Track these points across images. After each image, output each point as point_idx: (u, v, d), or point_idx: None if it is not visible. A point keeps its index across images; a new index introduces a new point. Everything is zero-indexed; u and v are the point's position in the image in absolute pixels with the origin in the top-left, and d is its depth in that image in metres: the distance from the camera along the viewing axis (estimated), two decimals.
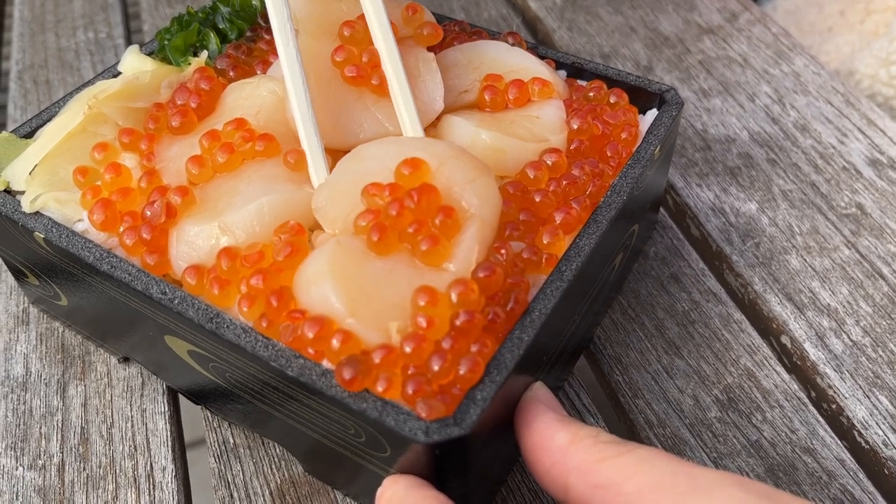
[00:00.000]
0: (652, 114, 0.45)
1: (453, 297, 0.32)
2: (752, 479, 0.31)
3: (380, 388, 0.31)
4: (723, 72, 0.64)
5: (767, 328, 0.47)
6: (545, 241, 0.37)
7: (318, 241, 0.37)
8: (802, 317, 0.47)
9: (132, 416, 0.43)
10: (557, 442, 0.32)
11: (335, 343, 0.32)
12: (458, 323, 0.32)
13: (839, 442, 0.41)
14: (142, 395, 0.44)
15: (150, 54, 0.48)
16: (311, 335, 0.32)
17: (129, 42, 0.70)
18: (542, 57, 0.48)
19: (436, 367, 0.31)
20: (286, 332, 0.33)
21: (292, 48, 0.39)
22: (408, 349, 0.31)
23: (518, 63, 0.44)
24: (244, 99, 0.42)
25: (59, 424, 0.43)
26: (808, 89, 0.62)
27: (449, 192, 0.35)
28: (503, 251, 0.35)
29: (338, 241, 0.34)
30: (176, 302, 0.36)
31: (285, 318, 0.33)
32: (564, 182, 0.39)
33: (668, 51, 0.66)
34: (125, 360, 0.46)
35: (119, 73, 0.47)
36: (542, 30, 0.70)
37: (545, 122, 0.41)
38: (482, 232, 0.35)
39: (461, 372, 0.31)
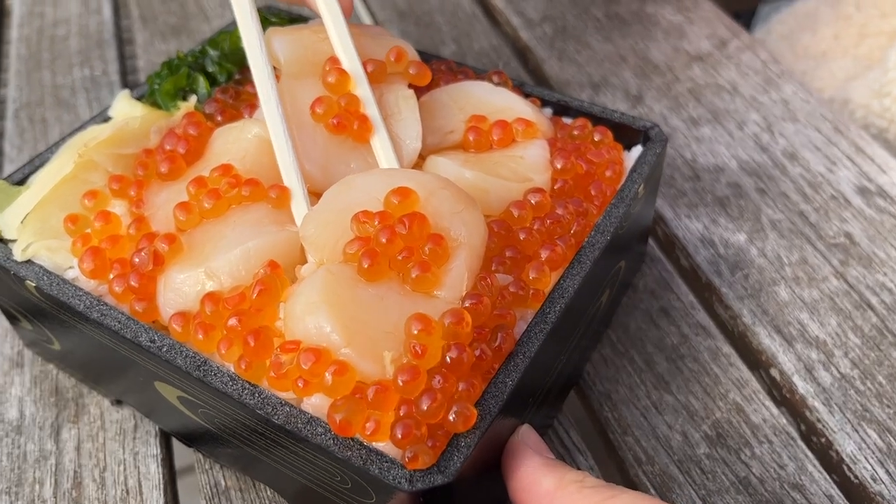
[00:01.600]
0: (637, 149, 0.46)
1: (446, 324, 0.32)
2: None
3: (368, 431, 0.31)
4: (712, 99, 0.64)
5: (756, 361, 0.47)
6: (531, 277, 0.37)
7: (303, 270, 0.37)
8: (791, 349, 0.47)
9: (125, 460, 0.44)
10: (544, 487, 0.33)
11: (328, 377, 0.32)
12: (448, 359, 0.32)
13: (828, 477, 0.41)
14: (134, 438, 0.45)
15: (140, 98, 0.49)
16: (307, 367, 0.32)
17: (124, 79, 0.71)
18: (527, 95, 0.48)
19: (425, 407, 0.31)
20: (276, 366, 0.33)
21: (271, 91, 0.40)
22: (401, 381, 0.31)
23: (502, 103, 0.45)
24: (231, 143, 0.42)
25: (53, 468, 0.43)
26: (796, 117, 0.62)
27: (437, 222, 0.36)
28: (489, 280, 0.36)
29: (328, 269, 0.35)
30: (164, 350, 0.36)
31: (282, 351, 0.33)
32: (549, 221, 0.39)
33: (658, 79, 0.67)
34: (118, 402, 0.46)
35: (109, 118, 0.47)
36: (532, 59, 0.71)
37: (529, 162, 0.41)
38: (471, 260, 0.35)
39: (451, 418, 0.31)
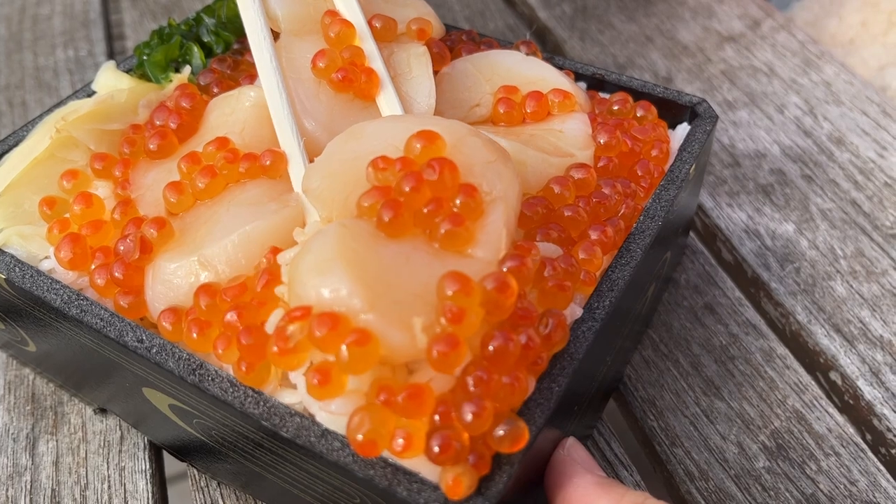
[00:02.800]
0: (682, 129, 0.41)
1: (488, 288, 0.27)
2: None
3: (397, 448, 0.26)
4: (747, 82, 0.60)
5: (815, 363, 0.43)
6: (581, 257, 0.32)
7: (305, 232, 0.32)
8: (853, 350, 0.42)
9: (109, 476, 0.38)
10: None
11: (344, 351, 0.26)
12: (490, 348, 0.26)
13: None
14: (120, 451, 0.39)
15: (128, 71, 0.43)
16: (321, 334, 0.26)
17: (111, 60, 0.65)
18: (559, 67, 0.43)
19: (469, 417, 0.25)
20: (281, 338, 0.27)
21: (264, 42, 0.36)
22: (436, 353, 0.25)
23: (535, 73, 0.40)
24: (227, 115, 0.37)
25: (28, 486, 0.38)
26: (840, 99, 0.57)
27: (467, 173, 0.30)
28: (530, 250, 0.30)
29: (341, 223, 0.29)
30: (154, 351, 0.31)
31: (288, 319, 0.27)
32: (594, 200, 0.34)
33: (688, 60, 0.62)
34: (102, 410, 0.41)
35: (94, 93, 0.42)
36: (551, 41, 0.66)
37: (569, 137, 0.36)
38: (508, 216, 0.30)
39: (499, 434, 0.26)
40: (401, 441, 0.26)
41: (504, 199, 0.30)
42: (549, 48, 0.65)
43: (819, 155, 0.53)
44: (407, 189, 0.29)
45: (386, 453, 0.27)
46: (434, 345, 0.26)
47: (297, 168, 0.34)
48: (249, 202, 0.33)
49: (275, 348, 0.27)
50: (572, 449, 0.31)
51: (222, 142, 0.35)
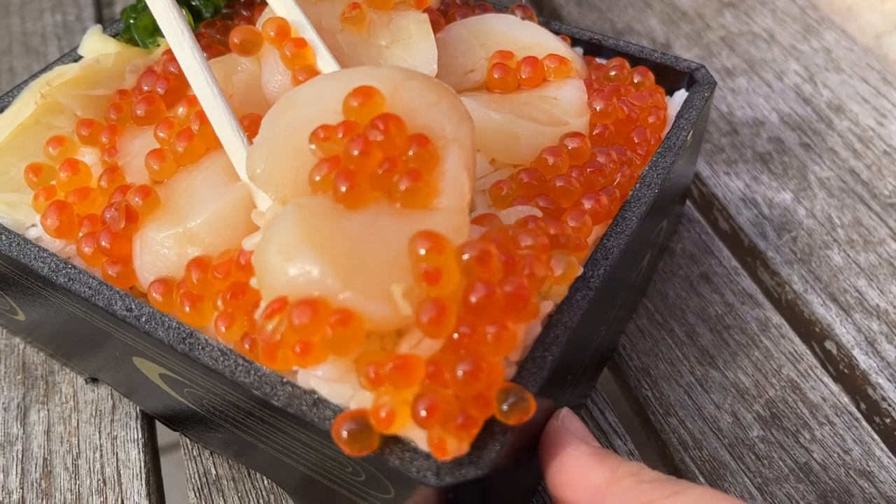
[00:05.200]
0: (680, 95, 0.40)
1: (465, 259, 0.26)
2: None
3: (382, 414, 0.25)
4: (747, 48, 0.59)
5: (810, 332, 0.42)
6: (571, 225, 0.32)
7: (266, 212, 0.31)
8: (849, 319, 0.42)
9: (101, 445, 0.38)
10: (593, 481, 0.28)
11: (330, 333, 0.25)
12: (473, 299, 0.26)
13: None
14: (112, 421, 0.39)
15: (115, 36, 0.43)
16: (302, 323, 0.25)
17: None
18: (556, 32, 0.42)
19: (462, 373, 0.25)
20: (264, 338, 0.26)
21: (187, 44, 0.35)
22: (425, 320, 0.25)
23: (531, 38, 0.39)
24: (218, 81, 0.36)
25: (20, 455, 0.38)
26: (840, 66, 0.57)
27: (413, 121, 0.29)
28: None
29: (297, 203, 0.28)
30: (143, 320, 0.31)
31: (265, 317, 0.27)
32: (589, 170, 0.33)
33: (687, 26, 0.61)
34: (93, 380, 0.41)
35: (80, 58, 0.42)
36: (548, 6, 0.65)
37: (564, 104, 0.36)
38: (465, 157, 0.29)
39: (504, 408, 0.26)
40: (384, 413, 0.25)
41: (457, 140, 0.29)
42: (545, 13, 0.64)
43: (818, 123, 0.53)
44: (356, 154, 0.28)
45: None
46: (421, 313, 0.25)
47: (238, 155, 0.33)
48: (227, 170, 0.33)
49: (261, 349, 0.27)
50: (566, 419, 0.30)
51: (191, 100, 0.34)
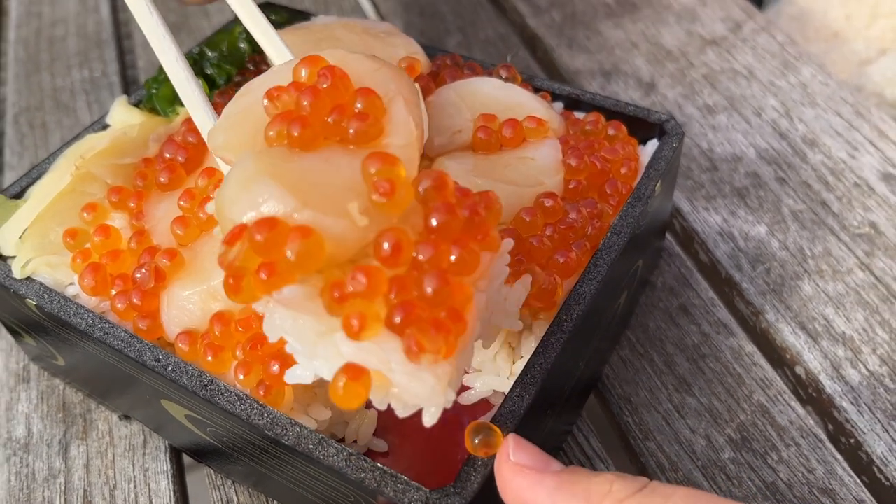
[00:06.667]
0: (653, 144, 0.44)
1: (422, 190, 0.27)
2: None
3: (354, 328, 0.26)
4: (728, 85, 0.62)
5: (781, 359, 0.46)
6: (543, 286, 0.36)
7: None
8: (817, 346, 0.45)
9: (135, 477, 0.43)
10: None
11: (291, 251, 0.26)
12: (434, 222, 0.27)
13: (858, 480, 0.40)
14: (144, 454, 0.44)
15: (138, 103, 0.47)
16: (261, 239, 0.26)
17: (124, 80, 0.69)
18: (537, 90, 0.46)
19: (430, 290, 0.26)
20: (226, 266, 0.27)
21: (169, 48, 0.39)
22: (386, 248, 0.26)
23: (512, 100, 0.43)
24: None
25: (62, 487, 0.43)
26: (815, 101, 0.60)
27: (359, 83, 0.31)
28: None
29: (254, 151, 0.30)
30: (169, 369, 0.35)
31: (225, 244, 0.27)
32: (561, 227, 0.37)
33: (671, 65, 0.65)
34: (126, 417, 0.45)
35: (107, 125, 0.46)
36: (541, 48, 0.69)
37: (540, 164, 0.40)
38: (410, 108, 0.31)
39: (475, 442, 0.29)
40: (355, 322, 0.26)
41: (400, 94, 0.31)
42: (538, 55, 0.68)
43: (793, 157, 0.56)
44: (306, 103, 0.30)
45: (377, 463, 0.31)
46: (380, 244, 0.26)
47: (201, 114, 0.36)
48: None
49: (231, 281, 0.27)
50: (516, 452, 0.29)
51: (209, 172, 0.38)
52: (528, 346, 0.38)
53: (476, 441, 0.30)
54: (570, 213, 0.38)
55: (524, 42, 0.70)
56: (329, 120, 0.30)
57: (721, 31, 0.67)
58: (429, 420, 0.28)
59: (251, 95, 0.33)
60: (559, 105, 0.47)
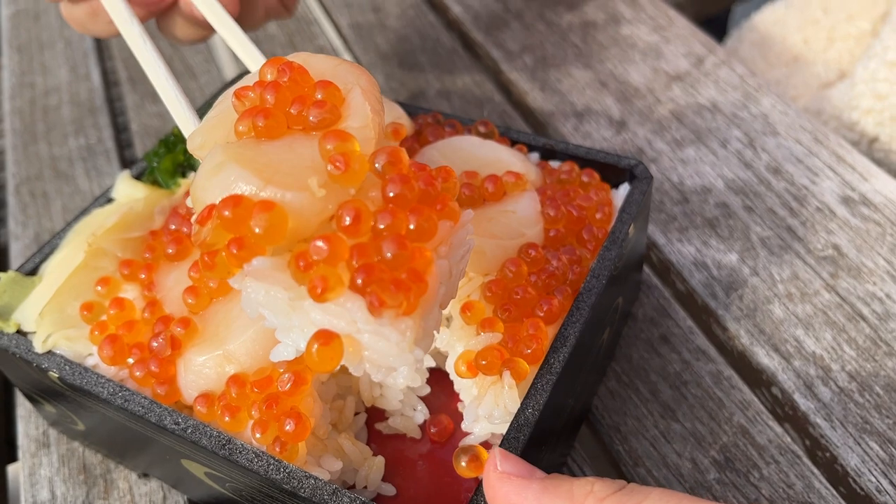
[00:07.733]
0: (625, 187, 0.47)
1: (379, 167, 0.30)
2: None
3: (318, 290, 0.28)
4: (693, 119, 0.66)
5: (758, 380, 0.49)
6: (529, 333, 0.39)
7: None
8: (790, 367, 0.49)
9: None
10: None
11: (257, 223, 0.29)
12: (391, 192, 0.30)
13: (835, 492, 0.43)
14: None
15: (140, 176, 0.50)
16: (229, 214, 0.29)
17: (119, 146, 0.72)
18: (513, 142, 0.50)
19: (390, 254, 0.28)
20: (200, 244, 0.31)
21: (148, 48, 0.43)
22: (347, 219, 0.29)
23: (491, 156, 0.46)
24: None
25: None
26: (777, 130, 0.64)
27: (319, 77, 0.34)
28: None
29: (223, 143, 0.33)
30: (189, 431, 0.38)
31: (198, 223, 0.31)
32: (544, 276, 0.40)
33: (639, 102, 0.68)
34: (145, 475, 0.48)
35: (111, 199, 0.49)
36: (515, 92, 0.72)
37: (521, 217, 0.43)
38: (367, 96, 0.34)
39: (461, 464, 0.32)
40: (319, 285, 0.28)
41: (357, 84, 0.34)
42: (513, 100, 0.72)
43: (758, 185, 0.60)
44: (269, 98, 0.33)
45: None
46: (340, 217, 0.29)
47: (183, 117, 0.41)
48: None
49: (206, 259, 0.31)
50: (502, 462, 0.31)
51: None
52: (522, 389, 0.41)
53: (464, 463, 0.33)
54: (551, 261, 0.41)
55: (499, 87, 0.73)
56: (292, 111, 0.33)
57: (685, 67, 0.71)
58: (402, 381, 0.30)
59: (227, 101, 0.37)
60: (535, 156, 0.50)
